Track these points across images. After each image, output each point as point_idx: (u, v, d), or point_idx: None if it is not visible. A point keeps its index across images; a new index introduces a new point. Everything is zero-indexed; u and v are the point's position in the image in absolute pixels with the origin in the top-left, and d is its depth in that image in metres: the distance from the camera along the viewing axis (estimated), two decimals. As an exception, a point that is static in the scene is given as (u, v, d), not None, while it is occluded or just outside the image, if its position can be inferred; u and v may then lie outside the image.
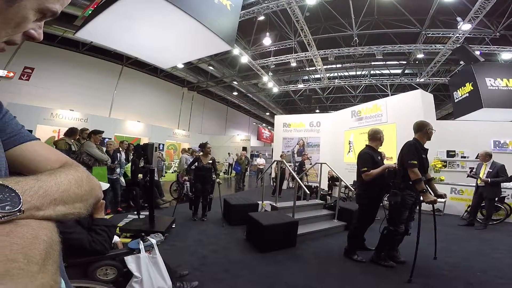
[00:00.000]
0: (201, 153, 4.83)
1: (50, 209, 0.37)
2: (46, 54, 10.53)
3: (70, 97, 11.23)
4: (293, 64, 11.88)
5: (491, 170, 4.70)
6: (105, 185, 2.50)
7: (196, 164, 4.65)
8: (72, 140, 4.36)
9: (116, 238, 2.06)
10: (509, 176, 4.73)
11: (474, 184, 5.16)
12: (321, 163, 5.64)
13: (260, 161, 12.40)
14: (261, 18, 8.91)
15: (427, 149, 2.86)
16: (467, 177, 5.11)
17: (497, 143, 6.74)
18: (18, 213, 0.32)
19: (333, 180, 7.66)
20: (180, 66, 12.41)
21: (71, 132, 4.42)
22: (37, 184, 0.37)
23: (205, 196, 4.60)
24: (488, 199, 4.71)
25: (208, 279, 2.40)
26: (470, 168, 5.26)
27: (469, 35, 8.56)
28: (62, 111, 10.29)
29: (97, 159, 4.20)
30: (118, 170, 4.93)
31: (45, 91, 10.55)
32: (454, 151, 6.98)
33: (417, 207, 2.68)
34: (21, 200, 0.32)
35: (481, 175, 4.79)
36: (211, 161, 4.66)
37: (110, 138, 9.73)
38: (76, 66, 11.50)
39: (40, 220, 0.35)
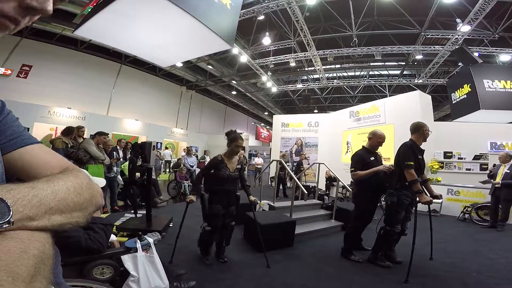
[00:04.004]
0: (224, 154, 2.75)
1: (45, 219, 0.35)
2: (44, 52, 10.49)
3: (68, 95, 11.16)
4: (292, 64, 11.87)
5: (508, 171, 4.66)
6: (102, 182, 2.50)
7: (214, 171, 2.67)
8: (69, 139, 4.36)
9: (112, 237, 2.06)
10: None
11: (471, 185, 5.17)
12: (319, 163, 5.65)
13: (258, 160, 12.43)
14: (261, 17, 8.89)
15: (423, 150, 2.88)
16: (487, 178, 4.96)
17: (494, 144, 6.79)
18: (6, 225, 0.30)
19: (331, 180, 7.68)
20: (179, 64, 12.34)
21: (68, 131, 4.41)
22: (32, 192, 0.34)
23: (227, 226, 2.80)
24: (504, 200, 4.66)
25: (205, 278, 2.40)
26: (489, 170, 5.16)
27: (468, 37, 8.60)
28: (59, 109, 10.22)
29: (93, 157, 4.20)
30: (115, 169, 4.92)
31: (43, 88, 10.48)
32: (451, 152, 7.02)
33: (413, 208, 2.70)
34: (11, 211, 0.30)
35: (498, 177, 4.75)
36: (239, 167, 2.84)
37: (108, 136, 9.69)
38: (74, 64, 11.43)
39: (33, 231, 0.33)
